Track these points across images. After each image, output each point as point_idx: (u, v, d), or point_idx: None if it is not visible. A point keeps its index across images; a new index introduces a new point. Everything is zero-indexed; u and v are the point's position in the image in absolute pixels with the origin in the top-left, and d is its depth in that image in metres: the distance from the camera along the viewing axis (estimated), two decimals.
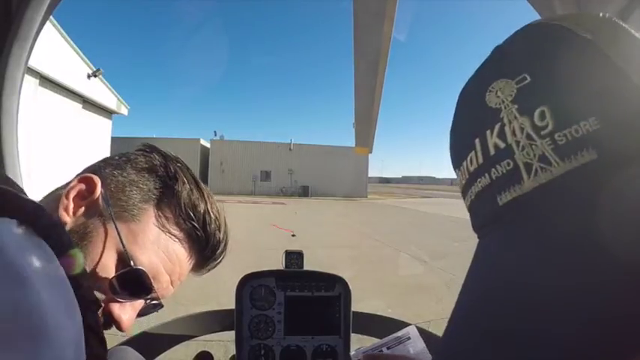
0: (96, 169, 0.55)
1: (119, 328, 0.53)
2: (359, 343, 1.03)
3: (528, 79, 0.29)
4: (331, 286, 1.20)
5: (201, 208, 0.58)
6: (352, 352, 0.68)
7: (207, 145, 36.14)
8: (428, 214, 19.08)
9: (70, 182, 0.53)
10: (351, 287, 1.18)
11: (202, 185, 0.61)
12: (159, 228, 0.54)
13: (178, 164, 0.60)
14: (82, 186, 0.52)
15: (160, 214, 0.55)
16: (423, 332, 0.72)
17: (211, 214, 0.59)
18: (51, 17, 0.83)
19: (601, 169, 0.24)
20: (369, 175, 43.53)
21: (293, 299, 1.19)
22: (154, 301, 0.56)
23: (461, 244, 9.67)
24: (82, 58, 14.30)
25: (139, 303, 0.55)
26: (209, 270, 0.64)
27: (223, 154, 34.47)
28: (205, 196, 0.59)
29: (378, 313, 1.21)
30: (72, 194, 0.51)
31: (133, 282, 0.51)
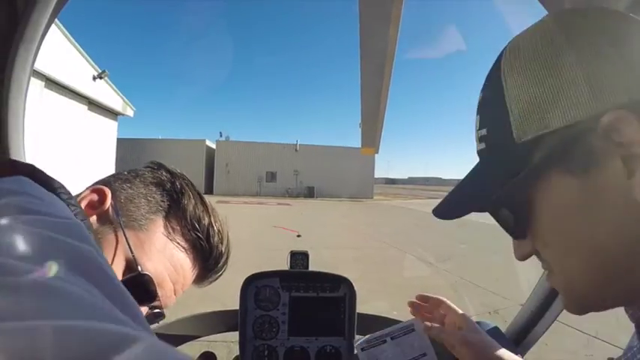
0: (106, 182, 0.58)
1: None
2: None
3: None
4: (336, 287, 1.19)
5: (206, 221, 0.61)
6: (356, 343, 0.69)
7: (213, 146, 36.24)
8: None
9: (81, 193, 0.55)
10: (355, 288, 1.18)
11: (206, 200, 0.65)
12: (166, 237, 0.57)
13: (184, 181, 0.63)
14: (94, 196, 0.54)
15: (167, 224, 0.58)
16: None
17: (215, 227, 0.62)
18: (56, 20, 0.84)
19: None
20: (375, 176, 43.45)
21: (297, 300, 1.19)
22: (156, 310, 0.58)
23: (467, 246, 9.61)
24: (88, 60, 14.44)
25: (143, 310, 0.56)
26: (210, 282, 0.67)
27: (229, 155, 34.56)
28: (209, 210, 0.63)
29: (383, 315, 1.21)
30: (83, 204, 0.53)
31: (139, 287, 0.52)
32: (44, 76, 11.65)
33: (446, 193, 0.49)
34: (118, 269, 0.52)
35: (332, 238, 10.49)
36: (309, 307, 1.19)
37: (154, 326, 1.10)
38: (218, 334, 1.18)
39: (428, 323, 0.67)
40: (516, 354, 0.65)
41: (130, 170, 0.62)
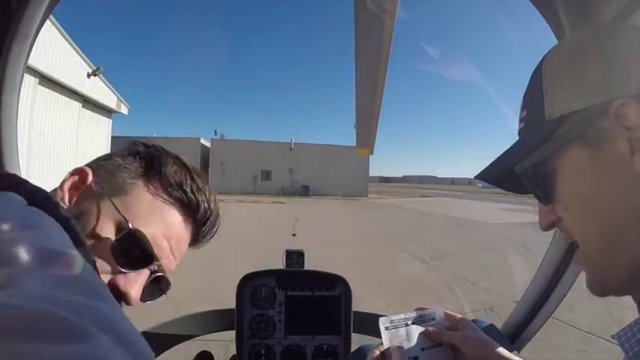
0: (85, 164, 0.60)
1: (127, 301, 0.54)
2: (359, 343, 1.02)
3: None
4: (332, 285, 1.20)
5: (188, 179, 0.62)
6: (380, 321, 0.68)
7: (208, 144, 36.09)
8: (428, 213, 19.07)
9: (63, 181, 0.56)
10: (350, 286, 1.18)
11: (187, 163, 0.65)
12: (151, 194, 0.58)
13: (160, 148, 0.65)
14: (75, 178, 0.56)
15: (149, 185, 0.59)
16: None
17: (198, 185, 0.63)
18: (50, 16, 0.83)
19: None
20: (370, 175, 43.54)
21: (294, 299, 1.19)
22: (158, 273, 0.58)
23: (462, 244, 9.68)
24: (82, 57, 14.27)
25: (144, 274, 0.56)
26: (205, 240, 0.67)
27: (224, 154, 34.46)
28: (191, 171, 0.64)
29: (379, 313, 1.21)
30: (66, 186, 0.55)
31: (133, 247, 0.53)
32: (38, 72, 11.50)
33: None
34: (109, 234, 0.52)
35: (328, 236, 10.49)
36: (305, 306, 1.19)
37: (150, 326, 1.10)
38: (215, 334, 1.18)
39: (430, 328, 0.69)
40: (512, 350, 0.67)
41: (105, 154, 0.64)
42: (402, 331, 0.69)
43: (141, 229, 0.53)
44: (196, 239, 0.65)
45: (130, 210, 0.54)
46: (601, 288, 0.46)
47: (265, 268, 1.20)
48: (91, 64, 14.96)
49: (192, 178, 0.62)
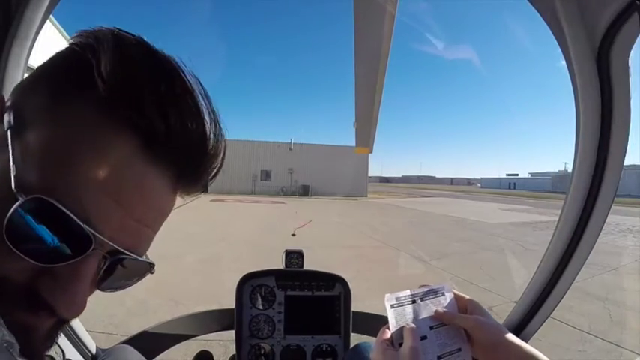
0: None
1: (67, 313, 0.34)
2: (359, 342, 1.03)
3: None
4: (331, 285, 1.20)
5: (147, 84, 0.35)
6: (386, 299, 0.64)
7: None
8: (427, 213, 19.06)
9: None
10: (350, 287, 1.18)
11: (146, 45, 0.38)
12: (79, 122, 0.34)
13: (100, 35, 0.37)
14: None
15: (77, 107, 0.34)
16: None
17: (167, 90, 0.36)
18: (51, 16, 0.83)
19: None
20: (369, 175, 43.52)
21: (293, 299, 1.19)
22: (116, 257, 0.35)
23: (462, 244, 9.67)
24: None
25: (87, 265, 0.33)
26: (196, 187, 0.41)
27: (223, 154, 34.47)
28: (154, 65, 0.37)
29: (379, 313, 1.21)
30: None
31: (49, 222, 0.30)
32: None
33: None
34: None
35: (327, 237, 10.50)
36: (304, 306, 1.19)
37: (150, 326, 1.10)
38: (214, 333, 1.18)
39: (441, 309, 0.65)
40: None
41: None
42: (409, 308, 0.64)
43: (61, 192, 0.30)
44: (177, 186, 0.39)
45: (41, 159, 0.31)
46: None
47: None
48: None
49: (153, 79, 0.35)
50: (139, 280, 0.41)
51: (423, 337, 0.61)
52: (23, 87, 0.36)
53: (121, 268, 0.37)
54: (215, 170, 0.41)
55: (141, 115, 0.33)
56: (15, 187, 0.29)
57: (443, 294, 0.67)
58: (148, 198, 0.36)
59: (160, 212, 0.38)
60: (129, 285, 0.41)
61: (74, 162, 0.31)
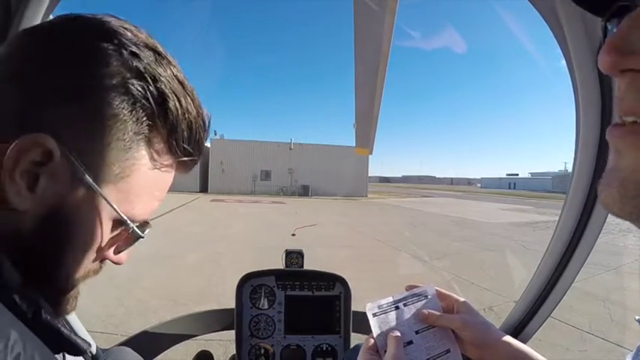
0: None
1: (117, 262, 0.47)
2: (359, 342, 1.03)
3: None
4: (331, 285, 1.20)
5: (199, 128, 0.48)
6: (367, 308, 0.63)
7: (208, 144, 35.94)
8: (428, 213, 19.06)
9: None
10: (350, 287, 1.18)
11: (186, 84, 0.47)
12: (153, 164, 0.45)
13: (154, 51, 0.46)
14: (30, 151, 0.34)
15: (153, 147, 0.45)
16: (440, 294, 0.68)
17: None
18: (51, 16, 0.83)
19: None
20: (370, 175, 43.53)
21: (293, 299, 1.19)
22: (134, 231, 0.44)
23: (462, 244, 9.67)
24: None
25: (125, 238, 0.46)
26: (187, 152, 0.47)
27: (223, 154, 34.42)
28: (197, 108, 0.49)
29: None
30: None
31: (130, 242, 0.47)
32: None
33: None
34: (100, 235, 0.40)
35: (327, 237, 10.50)
36: (304, 306, 1.19)
37: (150, 326, 1.10)
38: (214, 333, 1.18)
39: (425, 311, 0.64)
40: None
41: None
42: (392, 315, 0.63)
43: (141, 217, 0.44)
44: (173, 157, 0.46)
45: (130, 199, 0.42)
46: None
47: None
48: None
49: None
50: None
51: (410, 343, 0.60)
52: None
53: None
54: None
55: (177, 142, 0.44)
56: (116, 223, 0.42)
57: (426, 296, 0.66)
58: (167, 187, 0.47)
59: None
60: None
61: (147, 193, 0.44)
